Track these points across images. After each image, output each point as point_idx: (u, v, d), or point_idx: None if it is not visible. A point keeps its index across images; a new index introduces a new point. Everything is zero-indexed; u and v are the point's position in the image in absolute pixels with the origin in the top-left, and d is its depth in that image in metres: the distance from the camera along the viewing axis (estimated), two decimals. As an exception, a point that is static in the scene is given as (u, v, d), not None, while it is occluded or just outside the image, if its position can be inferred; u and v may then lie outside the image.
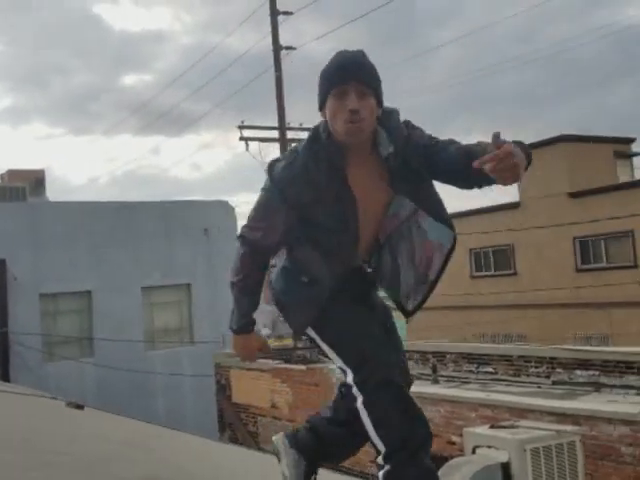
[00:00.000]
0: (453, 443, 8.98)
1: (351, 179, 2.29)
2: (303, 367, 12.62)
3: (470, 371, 11.61)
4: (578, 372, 9.89)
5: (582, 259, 21.66)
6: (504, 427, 6.82)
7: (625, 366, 9.51)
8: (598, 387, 9.41)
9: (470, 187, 2.22)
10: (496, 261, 24.41)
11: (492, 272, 24.46)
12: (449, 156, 2.22)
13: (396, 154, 2.30)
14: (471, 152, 2.09)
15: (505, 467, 6.48)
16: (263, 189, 2.34)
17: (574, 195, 21.51)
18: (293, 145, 2.41)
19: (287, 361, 14.02)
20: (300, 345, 15.88)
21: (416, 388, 9.67)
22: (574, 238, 21.52)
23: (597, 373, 9.68)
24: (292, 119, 18.92)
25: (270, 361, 13.58)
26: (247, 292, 2.38)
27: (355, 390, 2.19)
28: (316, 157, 2.28)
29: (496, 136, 1.88)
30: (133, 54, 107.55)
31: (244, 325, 2.41)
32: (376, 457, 2.23)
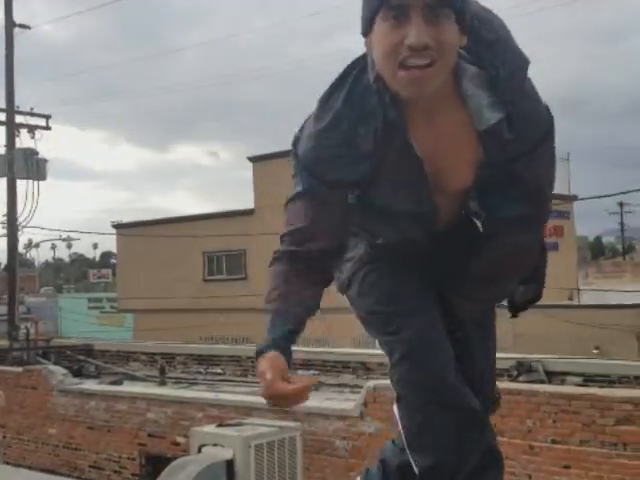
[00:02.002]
0: (177, 444, 8.94)
1: (415, 137, 1.49)
2: (19, 369, 11.70)
3: (199, 372, 11.67)
4: (300, 372, 10.44)
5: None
6: (231, 425, 6.95)
7: (342, 366, 10.26)
8: (318, 386, 10.01)
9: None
10: (228, 265, 24.88)
11: (224, 276, 24.88)
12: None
13: (510, 127, 1.44)
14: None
15: (229, 464, 6.60)
16: (293, 176, 1.62)
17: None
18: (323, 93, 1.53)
19: (1, 362, 12.92)
20: (17, 346, 14.71)
21: (142, 389, 9.40)
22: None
23: (317, 372, 10.31)
24: (21, 103, 17.47)
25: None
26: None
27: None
28: (357, 111, 1.48)
29: None
30: None
31: (267, 345, 1.56)
32: None
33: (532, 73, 1.47)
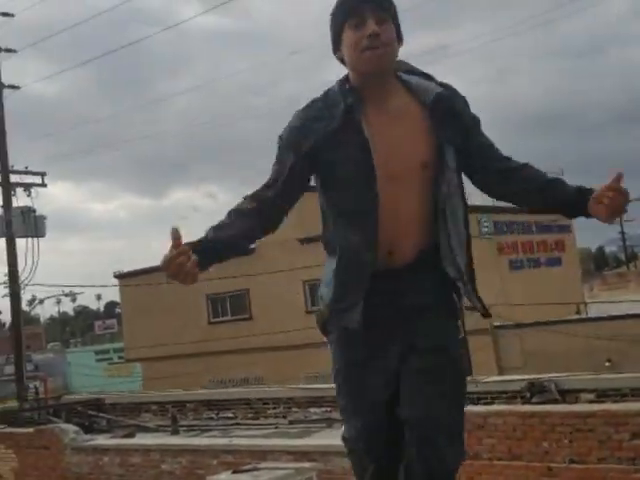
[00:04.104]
0: (194, 493, 8.85)
1: (369, 127, 2.02)
2: (30, 430, 11.62)
3: (210, 418, 11.59)
4: (312, 410, 10.37)
5: (312, 301, 22.91)
6: (246, 471, 6.90)
7: (353, 400, 10.17)
8: (330, 423, 9.95)
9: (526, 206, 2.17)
10: (232, 306, 24.82)
11: (229, 317, 24.81)
12: (521, 175, 2.04)
13: (442, 98, 2.04)
14: (554, 183, 2.03)
15: (248, 511, 6.54)
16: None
17: (303, 241, 22.78)
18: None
19: (12, 424, 12.82)
20: (27, 406, 14.63)
21: (155, 440, 9.29)
22: (304, 281, 22.71)
23: (329, 409, 10.23)
24: (15, 161, 17.62)
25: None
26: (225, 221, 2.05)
27: None
28: (329, 102, 2.06)
29: (619, 176, 1.86)
30: None
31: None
32: None
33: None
